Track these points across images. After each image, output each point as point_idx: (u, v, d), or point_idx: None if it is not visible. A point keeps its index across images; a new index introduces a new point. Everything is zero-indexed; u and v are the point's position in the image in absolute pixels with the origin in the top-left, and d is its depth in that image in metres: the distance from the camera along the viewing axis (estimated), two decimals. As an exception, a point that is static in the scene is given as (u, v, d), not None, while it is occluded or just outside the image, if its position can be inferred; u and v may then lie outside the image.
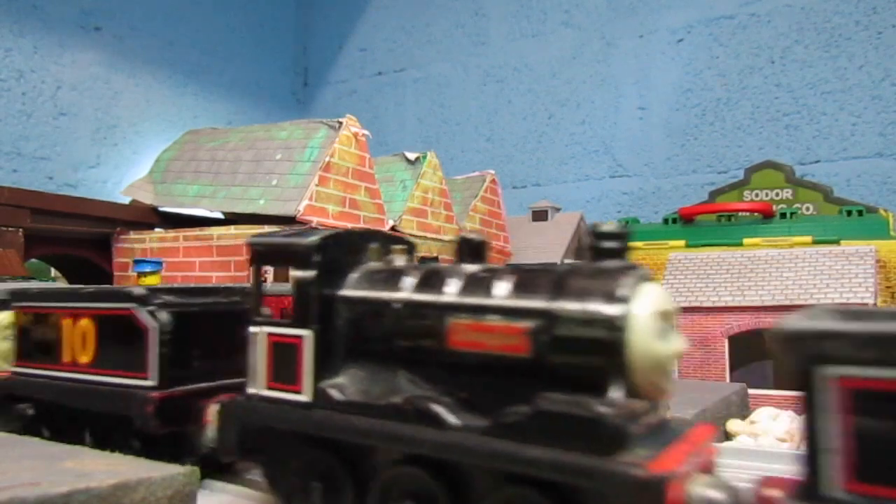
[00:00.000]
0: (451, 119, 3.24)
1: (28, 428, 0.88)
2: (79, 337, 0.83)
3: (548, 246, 2.11)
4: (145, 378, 0.76)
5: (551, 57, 3.00)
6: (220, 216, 1.73)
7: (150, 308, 0.76)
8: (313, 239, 0.67)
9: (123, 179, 2.63)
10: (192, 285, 1.14)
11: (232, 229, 1.53)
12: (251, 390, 0.69)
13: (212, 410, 0.73)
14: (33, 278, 1.38)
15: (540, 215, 2.25)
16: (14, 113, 2.39)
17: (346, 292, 0.67)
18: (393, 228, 1.71)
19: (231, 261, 1.51)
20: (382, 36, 3.47)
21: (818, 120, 2.49)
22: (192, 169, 1.74)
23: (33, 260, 1.65)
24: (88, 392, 0.81)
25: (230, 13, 3.29)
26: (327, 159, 1.53)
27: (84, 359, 0.83)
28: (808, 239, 1.80)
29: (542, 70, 3.02)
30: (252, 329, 0.70)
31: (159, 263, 1.51)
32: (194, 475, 0.60)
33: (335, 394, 0.63)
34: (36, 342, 0.90)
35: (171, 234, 1.61)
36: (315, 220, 1.47)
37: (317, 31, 3.70)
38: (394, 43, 3.44)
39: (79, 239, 1.66)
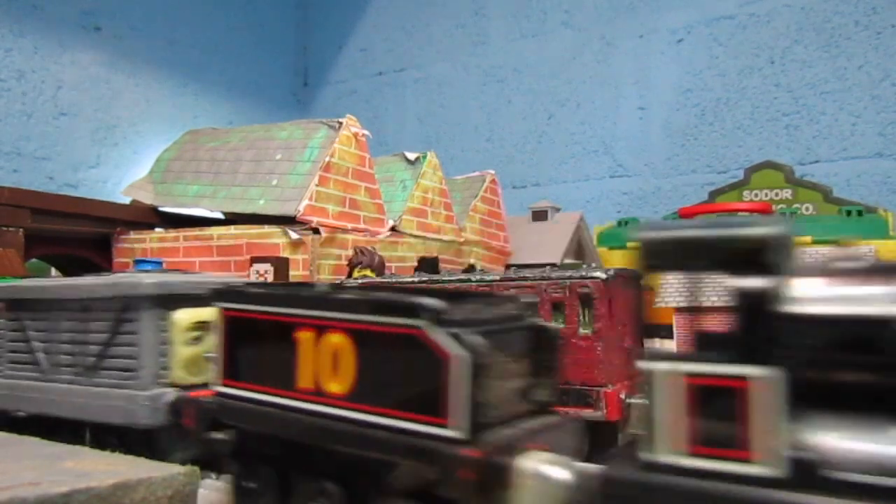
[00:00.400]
0: (451, 119, 3.24)
1: (222, 463, 0.70)
2: (327, 357, 0.61)
3: (548, 246, 2.11)
4: (445, 425, 0.53)
5: (551, 57, 3.00)
6: (220, 216, 1.73)
7: (453, 329, 0.54)
8: (771, 229, 0.44)
9: (123, 179, 2.63)
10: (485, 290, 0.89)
11: (232, 229, 1.53)
12: (651, 456, 0.47)
13: (525, 469, 0.51)
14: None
15: (540, 215, 2.25)
16: (14, 113, 2.40)
17: (804, 308, 0.44)
18: (393, 228, 1.71)
19: (231, 261, 1.51)
20: (382, 36, 3.47)
21: (818, 120, 2.49)
22: (192, 169, 1.74)
23: (33, 260, 1.65)
24: (349, 435, 0.59)
25: (230, 13, 3.29)
26: (327, 159, 1.53)
27: (336, 387, 0.60)
28: (808, 239, 1.80)
29: (542, 70, 3.02)
30: (651, 366, 0.47)
31: (159, 263, 1.51)
32: (194, 475, 0.60)
33: (825, 464, 0.41)
34: (254, 357, 0.68)
35: (171, 234, 1.62)
36: (315, 220, 1.47)
37: (317, 31, 3.70)
38: (394, 43, 3.44)
39: (79, 239, 1.66)
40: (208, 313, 0.73)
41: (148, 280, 0.81)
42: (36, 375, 0.91)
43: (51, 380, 0.89)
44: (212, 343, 0.72)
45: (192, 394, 0.72)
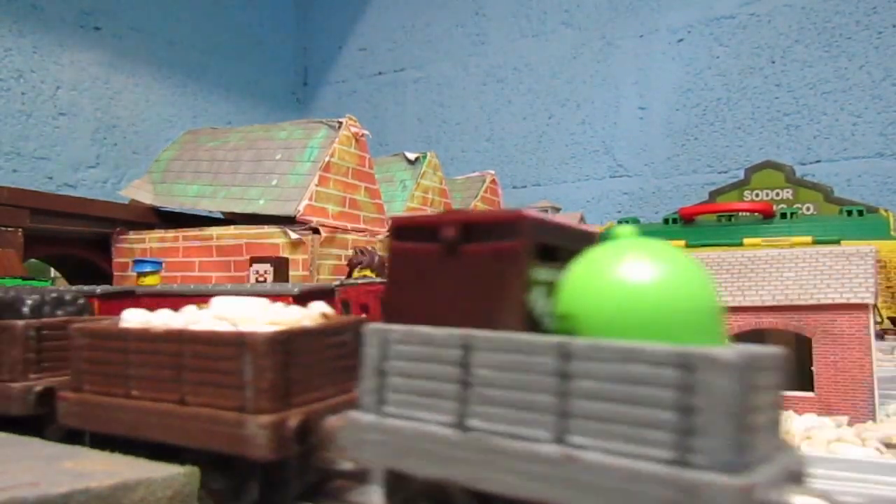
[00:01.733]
0: (451, 119, 3.24)
1: None
2: None
3: (548, 246, 2.11)
4: None
5: (551, 57, 3.00)
6: (220, 216, 1.73)
7: None
8: None
9: (123, 179, 2.63)
10: None
11: (232, 229, 1.53)
12: None
13: None
14: (33, 278, 1.37)
15: (540, 215, 2.24)
16: (14, 113, 2.39)
17: None
18: (393, 228, 1.71)
19: (231, 261, 1.50)
20: (382, 36, 3.47)
21: (818, 120, 2.48)
22: (192, 169, 1.74)
23: (33, 260, 1.64)
24: None
25: (230, 13, 3.29)
26: (327, 159, 1.53)
27: None
28: (809, 239, 1.80)
29: (542, 70, 3.02)
30: None
31: (159, 263, 1.51)
32: (194, 475, 0.60)
33: None
34: None
35: (171, 234, 1.61)
36: (315, 220, 1.47)
37: (317, 31, 3.70)
38: (394, 43, 3.43)
39: (78, 239, 1.65)
40: None
41: None
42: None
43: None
44: None
45: None
